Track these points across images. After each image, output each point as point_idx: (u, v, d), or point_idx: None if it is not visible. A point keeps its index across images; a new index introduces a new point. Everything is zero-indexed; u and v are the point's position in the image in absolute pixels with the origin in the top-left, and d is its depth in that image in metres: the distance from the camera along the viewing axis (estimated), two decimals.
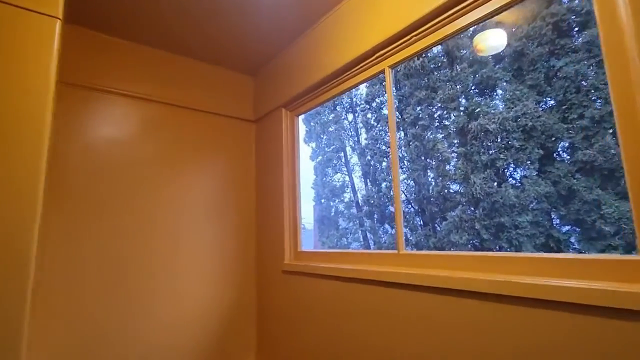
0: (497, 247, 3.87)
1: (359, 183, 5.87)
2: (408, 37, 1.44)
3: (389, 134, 1.59)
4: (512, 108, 3.83)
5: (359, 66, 1.68)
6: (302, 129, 6.62)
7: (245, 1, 1.73)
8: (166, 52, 2.13)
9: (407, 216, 4.93)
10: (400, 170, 5.11)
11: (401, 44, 1.47)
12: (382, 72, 1.59)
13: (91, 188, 1.79)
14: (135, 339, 1.79)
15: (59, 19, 1.10)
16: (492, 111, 4.00)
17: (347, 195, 5.99)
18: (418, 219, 4.86)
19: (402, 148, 4.83)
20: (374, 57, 1.60)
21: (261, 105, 2.38)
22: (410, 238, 4.85)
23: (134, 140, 1.95)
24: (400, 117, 4.83)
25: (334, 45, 1.77)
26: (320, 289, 1.74)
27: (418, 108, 4.65)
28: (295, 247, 2.05)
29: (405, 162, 4.88)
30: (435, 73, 4.50)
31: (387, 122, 5.26)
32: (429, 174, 4.82)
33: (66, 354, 1.60)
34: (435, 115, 4.61)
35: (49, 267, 1.61)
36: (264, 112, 2.33)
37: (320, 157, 6.36)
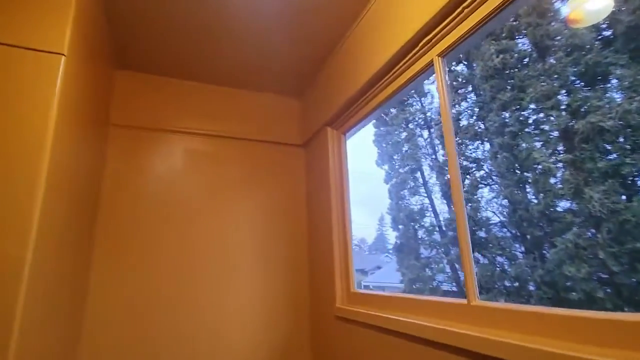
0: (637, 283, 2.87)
1: (440, 205, 5.24)
2: (456, 13, 1.09)
3: (446, 138, 1.21)
4: (635, 98, 2.92)
5: (402, 63, 1.36)
6: (373, 151, 6.31)
7: (280, 23, 1.61)
8: (210, 84, 2.11)
9: (502, 242, 4.12)
10: (487, 189, 4.37)
11: (449, 22, 1.12)
12: (431, 63, 1.25)
13: (142, 224, 1.77)
14: None
15: (64, 55, 1.06)
16: (606, 105, 3.12)
17: (428, 220, 5.37)
18: (517, 245, 4.01)
19: (488, 162, 4.13)
20: (418, 48, 1.27)
21: (307, 127, 2.19)
22: (509, 270, 4.00)
23: (180, 175, 1.93)
24: (482, 126, 4.18)
25: (370, 47, 1.50)
26: (372, 343, 1.38)
27: (503, 113, 3.95)
28: (348, 288, 1.72)
29: (492, 178, 4.15)
30: (522, 70, 3.79)
31: (465, 132, 4.62)
32: (526, 189, 4.00)
33: None
34: (527, 119, 3.85)
35: (100, 299, 1.59)
36: (310, 133, 2.13)
37: (394, 180, 5.91)
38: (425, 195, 5.44)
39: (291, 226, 2.11)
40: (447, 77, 1.26)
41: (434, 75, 1.25)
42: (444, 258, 4.97)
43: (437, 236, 5.14)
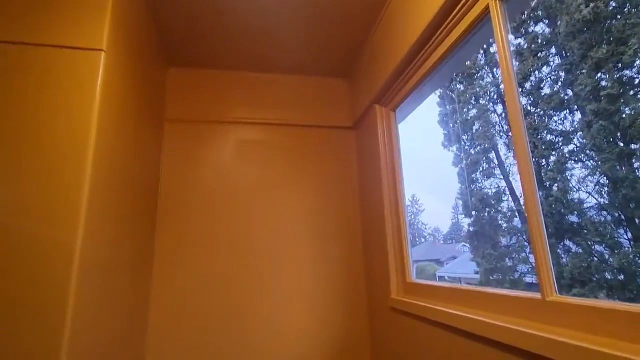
0: None
1: (519, 187, 4.64)
2: None
3: (508, 102, 1.01)
4: None
5: (450, 17, 1.16)
6: (439, 132, 5.83)
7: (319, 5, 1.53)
8: (258, 73, 2.11)
9: (601, 228, 3.48)
10: (579, 166, 3.69)
11: None
12: (487, 10, 1.04)
13: (198, 214, 1.85)
14: None
15: (103, 50, 1.11)
16: None
17: (505, 205, 4.80)
18: (622, 231, 3.35)
19: (579, 134, 3.49)
20: None
21: (356, 107, 2.07)
22: (610, 260, 3.37)
23: (233, 164, 1.96)
24: (569, 93, 3.54)
25: (414, 7, 1.31)
26: (427, 337, 1.23)
27: (598, 74, 3.28)
28: (404, 278, 1.58)
29: (585, 152, 3.51)
30: (621, 19, 3.08)
31: (547, 101, 3.96)
32: (633, 164, 3.29)
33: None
34: (632, 79, 3.14)
35: (157, 283, 1.70)
36: (359, 114, 2.00)
37: (464, 162, 5.40)
38: (502, 177, 4.87)
39: (344, 213, 2.03)
40: (508, 26, 1.03)
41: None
42: (527, 247, 4.40)
43: (517, 222, 4.57)
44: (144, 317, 1.62)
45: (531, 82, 4.28)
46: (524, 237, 4.45)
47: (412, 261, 1.59)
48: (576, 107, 3.52)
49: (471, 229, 4.96)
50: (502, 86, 4.88)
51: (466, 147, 5.33)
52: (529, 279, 4.32)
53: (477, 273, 5.18)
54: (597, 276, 3.25)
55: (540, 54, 4.00)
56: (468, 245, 5.92)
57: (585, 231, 3.47)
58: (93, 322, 1.04)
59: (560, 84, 3.80)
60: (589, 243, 3.44)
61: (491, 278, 4.73)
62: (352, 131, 2.16)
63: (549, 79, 3.99)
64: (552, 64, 3.92)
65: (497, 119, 5.04)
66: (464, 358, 1.03)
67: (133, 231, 1.43)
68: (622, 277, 3.06)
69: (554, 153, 4.00)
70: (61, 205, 0.95)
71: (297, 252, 1.91)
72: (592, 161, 3.53)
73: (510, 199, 4.70)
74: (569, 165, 3.71)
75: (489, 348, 0.92)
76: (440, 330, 1.16)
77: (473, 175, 5.19)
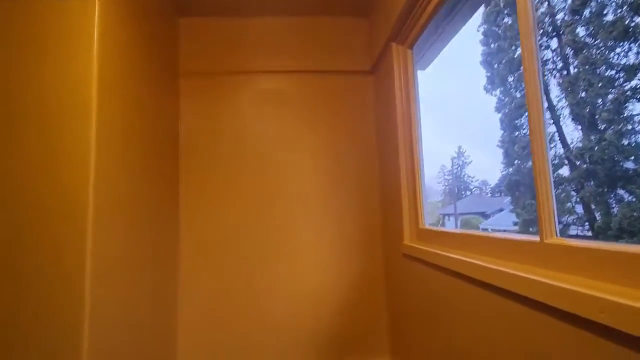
0: None
1: (571, 132, 4.20)
2: None
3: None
4: None
5: None
6: (481, 74, 5.32)
7: None
8: (272, 16, 2.01)
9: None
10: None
11: None
12: None
13: (218, 166, 1.91)
14: (261, 312, 1.83)
15: None
16: None
17: (552, 152, 4.40)
18: None
19: None
20: None
21: (373, 48, 1.93)
22: None
23: (249, 116, 1.97)
24: (637, 20, 2.98)
25: None
26: (436, 283, 1.23)
27: None
28: (416, 224, 1.55)
29: None
30: None
31: (609, 30, 3.39)
32: None
33: (207, 306, 1.81)
34: None
35: (184, 234, 1.84)
36: (376, 55, 1.87)
37: (507, 108, 4.94)
38: (552, 121, 4.41)
39: (362, 161, 1.99)
40: None
41: None
42: (574, 196, 4.08)
43: (565, 170, 4.21)
44: (175, 266, 1.77)
45: (591, 8, 3.66)
46: (571, 185, 4.11)
47: (425, 207, 1.55)
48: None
49: (512, 178, 4.65)
50: (558, 16, 4.26)
51: (511, 90, 4.84)
52: (573, 231, 4.07)
53: (515, 224, 4.97)
54: None
55: None
56: (509, 197, 5.63)
57: None
58: (118, 273, 1.15)
59: (626, 8, 3.19)
60: None
61: (530, 230, 4.51)
62: (369, 76, 2.04)
63: (612, 3, 3.37)
64: None
65: (550, 55, 4.46)
66: (465, 301, 1.01)
67: (153, 184, 1.51)
68: None
69: (612, 91, 3.50)
70: (69, 158, 1.02)
71: (315, 199, 1.93)
72: None
73: (559, 145, 4.29)
74: (628, 105, 3.25)
75: (485, 292, 0.89)
76: (445, 275, 1.14)
77: (517, 121, 4.77)
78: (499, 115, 5.01)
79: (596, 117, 3.58)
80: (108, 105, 1.12)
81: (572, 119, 4.02)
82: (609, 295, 0.52)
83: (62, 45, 1.06)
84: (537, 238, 0.78)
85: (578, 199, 3.95)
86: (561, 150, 4.22)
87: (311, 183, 1.94)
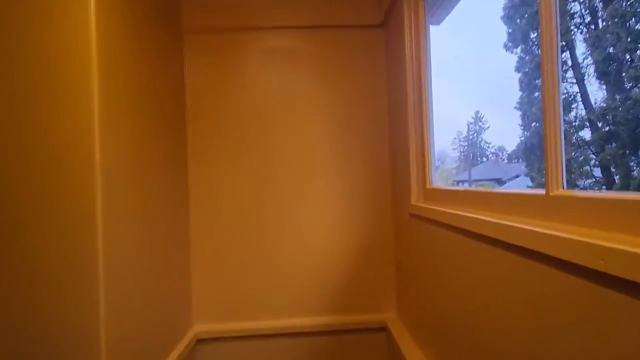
0: None
1: (595, 92, 3.96)
2: None
3: None
4: None
5: None
6: (502, 30, 5.00)
7: None
8: None
9: None
10: None
11: None
12: None
13: (226, 126, 1.91)
14: (271, 267, 1.89)
15: None
16: None
17: (573, 113, 4.20)
18: None
19: None
20: None
21: None
22: None
23: (256, 73, 1.93)
24: None
25: None
26: (441, 240, 1.23)
27: None
28: (424, 184, 1.54)
29: None
30: None
31: None
32: None
33: (216, 276, 1.89)
34: None
35: (194, 189, 1.88)
36: (387, 5, 1.77)
37: (528, 67, 4.66)
38: (575, 80, 4.17)
39: (372, 118, 1.95)
40: None
41: None
42: (593, 159, 3.93)
43: (585, 133, 4.04)
44: (185, 221, 1.82)
45: None
46: (591, 148, 3.96)
47: (433, 168, 1.52)
48: None
49: (528, 142, 4.50)
50: None
51: (532, 48, 4.55)
52: None
53: (529, 187, 4.89)
54: None
55: None
56: (525, 162, 5.49)
57: None
58: (128, 228, 1.19)
59: None
60: None
61: None
62: (380, 30, 1.94)
63: None
64: None
65: (578, 7, 4.12)
66: (468, 257, 1.02)
67: (159, 139, 1.52)
68: None
69: None
70: (72, 110, 1.03)
71: (325, 158, 1.92)
72: None
73: (582, 106, 4.08)
74: None
75: (487, 245, 0.89)
76: (449, 232, 1.14)
77: (537, 81, 4.52)
78: (519, 75, 4.77)
79: (623, 74, 3.36)
80: (109, 61, 1.11)
81: (597, 78, 3.79)
82: (610, 243, 0.51)
83: (56, 5, 1.03)
84: (543, 191, 0.76)
85: (597, 162, 3.81)
86: (583, 112, 4.03)
87: (321, 141, 1.93)
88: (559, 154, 0.74)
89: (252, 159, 1.91)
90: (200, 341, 1.83)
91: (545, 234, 0.64)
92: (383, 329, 1.88)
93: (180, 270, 1.72)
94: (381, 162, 1.94)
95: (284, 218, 1.90)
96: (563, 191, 0.72)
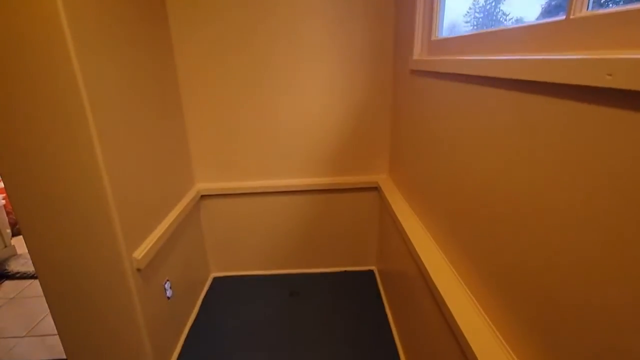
0: None
1: None
2: None
3: None
4: None
5: None
6: None
7: None
8: None
9: None
10: None
11: None
12: None
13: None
14: (269, 131, 1.89)
15: None
16: None
17: None
18: None
19: None
20: None
21: None
22: None
23: None
24: None
25: None
26: (443, 93, 1.17)
27: None
28: (429, 35, 1.37)
29: None
30: None
31: None
32: None
33: (214, 141, 1.89)
34: None
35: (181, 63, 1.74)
36: None
37: None
38: None
39: None
40: None
41: None
42: None
43: None
44: (175, 84, 1.72)
45: None
46: None
47: (441, 16, 1.33)
48: None
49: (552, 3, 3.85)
50: None
51: None
52: None
53: None
54: None
55: None
56: None
57: None
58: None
59: None
60: None
61: None
62: None
63: None
64: None
65: None
66: (475, 108, 0.96)
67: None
68: None
69: None
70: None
71: (325, 9, 1.70)
72: None
73: None
74: None
75: (487, 88, 0.83)
76: (454, 83, 1.06)
77: None
78: None
79: None
80: None
81: None
82: (621, 55, 0.44)
83: None
84: (562, 17, 0.65)
85: None
86: None
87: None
88: None
89: (247, 15, 1.68)
90: (204, 197, 1.98)
91: (549, 59, 0.57)
92: (375, 188, 1.99)
93: (177, 136, 1.71)
94: (384, 16, 1.71)
95: (280, 78, 1.79)
96: (587, 12, 0.61)
